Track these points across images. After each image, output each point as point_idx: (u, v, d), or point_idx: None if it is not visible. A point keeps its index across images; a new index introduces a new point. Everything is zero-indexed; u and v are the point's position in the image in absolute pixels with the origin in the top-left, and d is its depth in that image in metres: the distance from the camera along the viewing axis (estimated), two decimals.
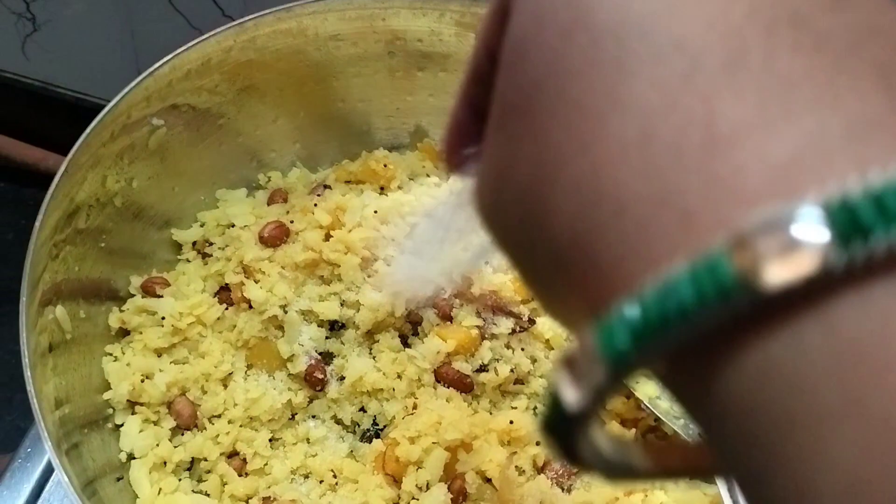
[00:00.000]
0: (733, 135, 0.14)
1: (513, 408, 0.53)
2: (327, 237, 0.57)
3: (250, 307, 0.55)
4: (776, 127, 0.14)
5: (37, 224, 0.47)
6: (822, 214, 0.13)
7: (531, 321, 0.55)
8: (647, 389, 0.52)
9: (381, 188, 0.64)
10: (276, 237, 0.57)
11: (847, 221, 0.13)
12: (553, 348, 0.56)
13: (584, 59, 0.16)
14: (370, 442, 0.52)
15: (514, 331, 0.55)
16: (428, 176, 0.65)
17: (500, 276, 0.55)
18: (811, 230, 0.13)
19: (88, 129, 0.52)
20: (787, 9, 0.15)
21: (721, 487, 0.46)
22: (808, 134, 0.14)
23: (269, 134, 0.65)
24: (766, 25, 0.15)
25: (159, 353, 0.54)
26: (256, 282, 0.55)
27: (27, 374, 0.45)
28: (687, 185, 0.14)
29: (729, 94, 0.14)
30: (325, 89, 0.65)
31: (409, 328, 0.57)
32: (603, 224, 0.15)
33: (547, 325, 0.55)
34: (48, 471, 0.59)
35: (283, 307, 0.54)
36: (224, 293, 0.57)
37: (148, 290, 0.56)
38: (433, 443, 0.48)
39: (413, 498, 0.47)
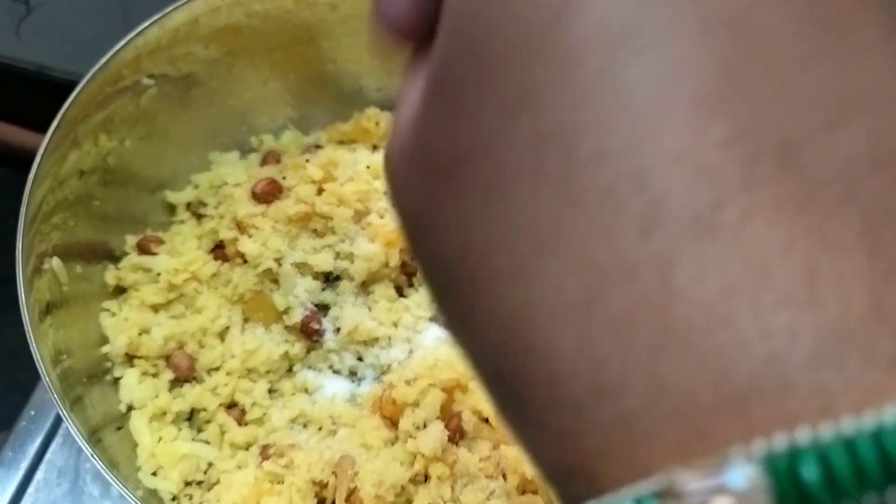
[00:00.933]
0: (686, 334, 0.12)
1: None
2: (320, 191, 0.57)
3: (245, 262, 0.55)
4: (737, 335, 0.12)
5: (29, 182, 0.48)
6: (760, 475, 0.11)
7: None
8: None
9: (374, 147, 0.64)
10: (268, 193, 0.57)
11: (788, 488, 0.11)
12: None
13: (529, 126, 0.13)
14: (367, 387, 0.53)
15: None
16: None
17: None
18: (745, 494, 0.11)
19: (78, 88, 0.52)
20: (775, 134, 0.12)
21: None
22: (771, 352, 0.12)
23: (260, 96, 0.65)
24: (748, 162, 0.12)
25: (156, 308, 0.54)
26: (250, 237, 0.55)
27: (28, 328, 0.45)
28: (630, 387, 0.12)
29: (692, 269, 0.12)
30: (315, 50, 0.65)
31: (405, 280, 0.57)
32: (526, 371, 0.13)
33: None
34: (56, 425, 0.59)
35: (278, 260, 0.54)
36: (219, 251, 0.57)
37: (143, 249, 0.56)
38: (429, 384, 0.49)
39: (410, 436, 0.48)
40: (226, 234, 0.56)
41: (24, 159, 0.99)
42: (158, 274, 0.54)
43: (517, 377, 0.14)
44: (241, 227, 0.56)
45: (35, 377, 0.86)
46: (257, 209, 0.56)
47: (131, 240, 0.57)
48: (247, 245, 0.54)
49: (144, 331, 0.53)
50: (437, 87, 0.15)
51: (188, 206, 0.60)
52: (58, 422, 0.60)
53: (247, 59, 0.63)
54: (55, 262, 0.49)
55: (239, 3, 0.60)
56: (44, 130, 0.99)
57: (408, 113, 0.16)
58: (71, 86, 0.97)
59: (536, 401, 0.13)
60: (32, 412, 0.60)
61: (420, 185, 0.15)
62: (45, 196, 0.50)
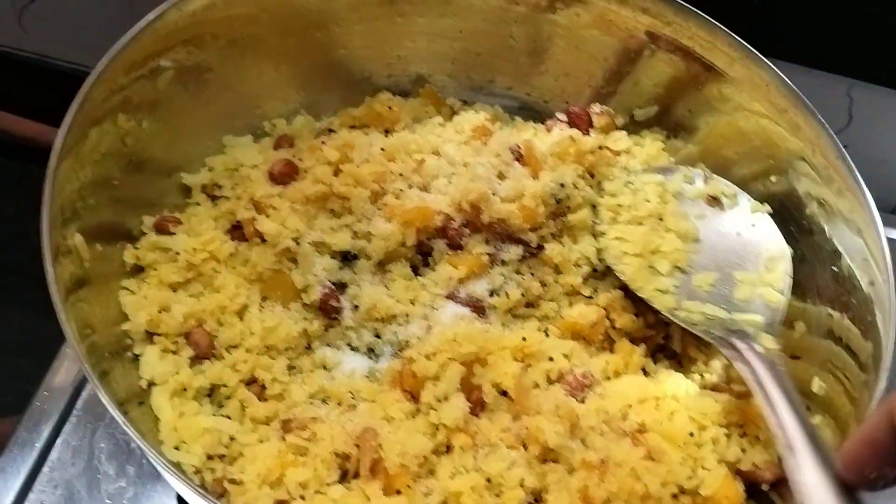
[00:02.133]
0: None
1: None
2: (336, 173, 0.58)
3: (263, 241, 0.56)
4: None
5: (52, 161, 0.48)
6: None
7: (540, 247, 0.57)
8: (665, 302, 0.54)
9: (386, 131, 0.65)
10: (285, 174, 0.58)
11: None
12: (561, 272, 0.57)
13: None
14: (386, 363, 0.53)
15: (523, 257, 0.56)
16: (430, 118, 0.66)
17: (508, 206, 0.56)
18: None
19: (98, 68, 0.52)
20: None
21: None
22: None
23: (272, 82, 0.66)
24: None
25: (174, 287, 0.55)
26: (268, 217, 0.56)
27: (56, 300, 0.45)
28: None
29: None
30: (326, 36, 0.66)
31: (420, 259, 0.58)
32: None
33: (556, 251, 0.56)
34: (70, 406, 0.60)
35: (296, 239, 0.55)
36: (236, 231, 0.57)
37: (161, 229, 0.57)
38: (449, 358, 0.49)
39: (432, 408, 0.48)
40: (243, 214, 0.56)
41: (26, 149, 0.99)
42: (177, 253, 0.55)
43: None
44: (258, 207, 0.57)
45: (41, 363, 0.86)
46: (274, 189, 0.57)
47: (148, 220, 0.57)
48: (266, 224, 0.55)
49: (164, 308, 0.53)
50: None
51: (203, 188, 0.61)
52: (72, 402, 0.60)
53: (259, 44, 0.63)
54: (77, 238, 0.49)
55: None
56: (46, 121, 0.99)
57: None
58: (74, 75, 0.97)
59: None
60: (46, 393, 0.61)
61: None
62: (67, 175, 0.51)
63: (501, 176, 0.58)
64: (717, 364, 0.55)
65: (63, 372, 0.62)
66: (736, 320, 0.51)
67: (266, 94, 0.66)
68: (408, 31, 0.68)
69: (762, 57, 0.57)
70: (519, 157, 0.59)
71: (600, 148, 0.60)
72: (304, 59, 0.66)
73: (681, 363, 0.56)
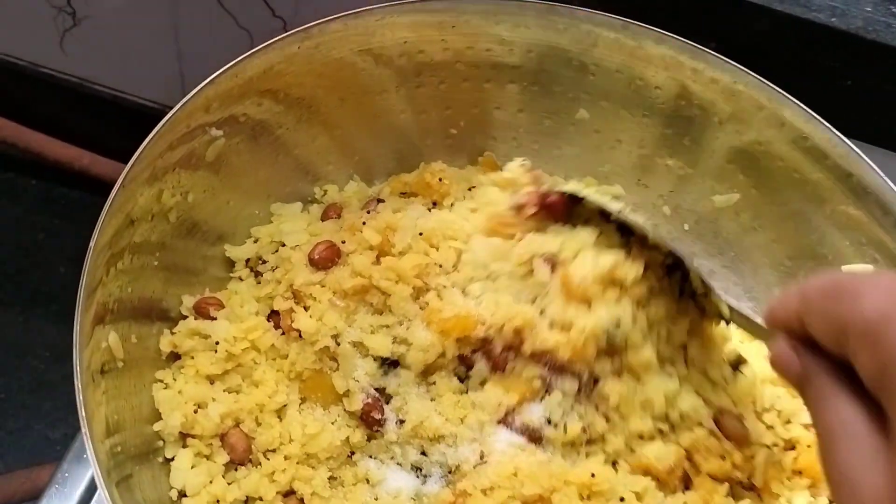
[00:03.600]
0: None
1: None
2: (378, 259, 0.53)
3: (301, 336, 0.51)
4: None
5: (92, 241, 0.44)
6: None
7: (594, 381, 0.50)
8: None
9: (434, 203, 0.60)
10: (326, 258, 0.53)
11: None
12: (623, 416, 0.50)
13: None
14: (434, 486, 0.49)
15: (579, 390, 0.50)
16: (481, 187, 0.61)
17: (556, 335, 0.49)
18: None
19: (146, 141, 0.48)
20: None
21: None
22: None
23: (327, 146, 0.61)
24: None
25: (212, 379, 0.50)
26: (306, 308, 0.51)
27: (79, 397, 0.41)
28: None
29: None
30: (385, 100, 0.61)
31: (464, 371, 0.52)
32: None
33: (615, 390, 0.49)
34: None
35: (335, 337, 0.51)
36: (276, 317, 0.53)
37: (201, 312, 0.52)
38: (509, 496, 0.45)
39: None
40: (282, 304, 0.52)
41: (59, 172, 0.96)
42: (217, 343, 0.50)
43: None
44: (297, 296, 0.52)
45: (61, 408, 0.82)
46: (315, 277, 0.52)
47: (188, 300, 0.53)
48: (303, 321, 0.50)
49: (200, 406, 0.49)
50: None
51: (247, 262, 0.57)
52: (91, 490, 0.56)
53: (316, 107, 0.59)
54: (112, 338, 0.45)
55: (315, 50, 0.56)
56: (83, 144, 0.95)
57: (869, 495, 0.27)
58: (113, 101, 0.93)
59: None
60: (66, 474, 0.57)
61: None
62: (111, 238, 0.46)
63: (538, 294, 0.51)
64: (801, 500, 0.50)
65: None
66: None
67: (320, 158, 0.62)
68: (471, 98, 0.63)
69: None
70: (553, 267, 0.51)
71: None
72: (360, 123, 0.62)
73: (761, 497, 0.51)
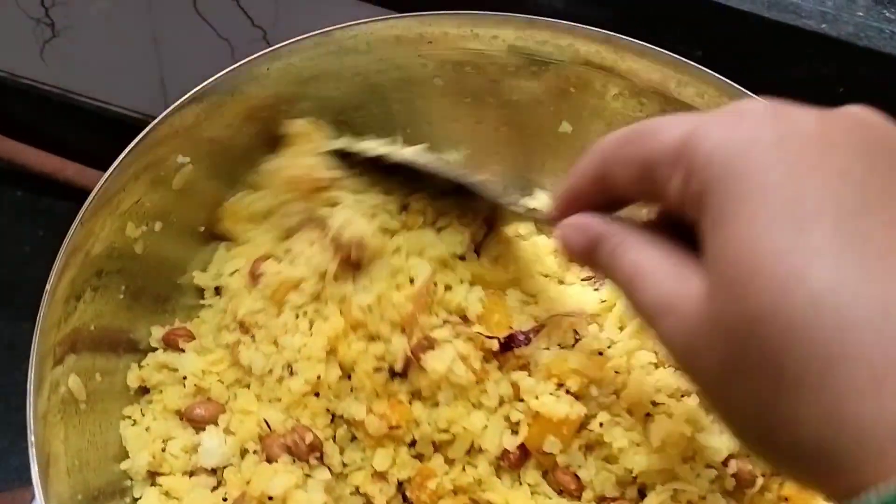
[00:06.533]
0: None
1: None
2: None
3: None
4: None
5: (48, 285, 0.43)
6: None
7: None
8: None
9: None
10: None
11: None
12: None
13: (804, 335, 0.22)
14: None
15: None
16: None
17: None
18: None
19: (108, 172, 0.47)
20: None
21: None
22: None
23: None
24: None
25: (181, 415, 0.49)
26: (253, 339, 0.49)
27: (32, 451, 0.40)
28: None
29: None
30: (364, 117, 0.60)
31: None
32: (844, 444, 0.22)
33: None
34: None
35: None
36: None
37: (170, 344, 0.51)
38: None
39: None
40: (227, 337, 0.50)
41: (44, 183, 0.95)
42: (185, 377, 0.49)
43: (831, 446, 0.22)
44: (243, 326, 0.50)
45: None
46: (260, 303, 0.50)
47: (157, 332, 0.52)
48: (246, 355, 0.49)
49: (167, 439, 0.48)
50: (717, 325, 0.24)
51: (216, 289, 0.55)
52: None
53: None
54: (72, 380, 0.44)
55: (285, 71, 0.54)
56: (64, 154, 0.94)
57: (688, 310, 0.26)
58: (94, 111, 0.92)
59: (850, 450, 0.22)
60: None
61: (717, 369, 0.25)
62: (74, 276, 0.45)
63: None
64: None
65: None
66: None
67: None
68: (454, 112, 0.61)
69: None
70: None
71: None
72: None
73: None
